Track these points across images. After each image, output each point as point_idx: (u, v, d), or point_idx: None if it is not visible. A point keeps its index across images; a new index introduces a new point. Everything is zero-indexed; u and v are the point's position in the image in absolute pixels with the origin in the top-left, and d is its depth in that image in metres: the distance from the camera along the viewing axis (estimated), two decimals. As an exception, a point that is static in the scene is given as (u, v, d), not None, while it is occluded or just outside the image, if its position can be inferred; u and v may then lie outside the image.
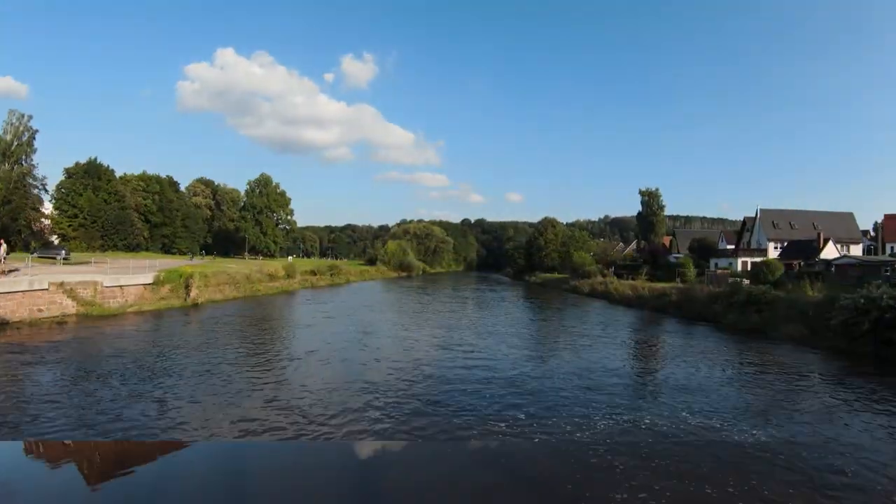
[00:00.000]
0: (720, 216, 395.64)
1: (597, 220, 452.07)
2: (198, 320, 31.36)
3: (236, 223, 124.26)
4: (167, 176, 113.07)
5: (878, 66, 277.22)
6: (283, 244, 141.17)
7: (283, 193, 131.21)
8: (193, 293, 37.18)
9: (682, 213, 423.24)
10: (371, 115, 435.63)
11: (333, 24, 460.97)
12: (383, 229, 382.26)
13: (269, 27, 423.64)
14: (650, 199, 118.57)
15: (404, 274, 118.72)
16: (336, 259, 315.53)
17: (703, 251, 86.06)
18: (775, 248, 65.63)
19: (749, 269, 62.98)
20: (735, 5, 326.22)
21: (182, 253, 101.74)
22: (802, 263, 56.81)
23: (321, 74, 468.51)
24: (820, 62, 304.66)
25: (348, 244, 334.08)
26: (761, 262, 53.07)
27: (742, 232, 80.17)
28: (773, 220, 67.08)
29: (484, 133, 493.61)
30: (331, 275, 74.39)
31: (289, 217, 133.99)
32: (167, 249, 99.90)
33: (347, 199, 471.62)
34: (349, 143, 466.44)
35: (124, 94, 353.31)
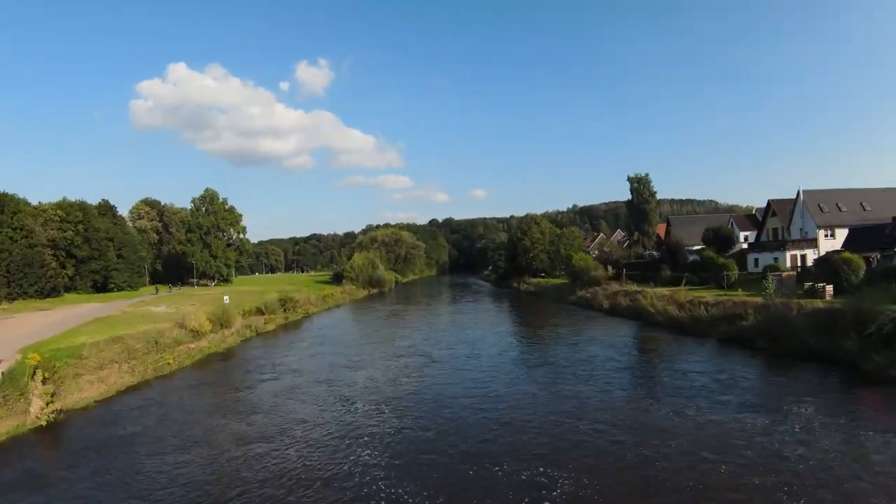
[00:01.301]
0: (689, 197, 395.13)
1: (565, 210, 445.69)
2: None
3: (183, 246, 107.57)
4: (102, 200, 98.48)
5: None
6: (242, 263, 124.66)
7: (231, 210, 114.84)
8: (37, 406, 22.13)
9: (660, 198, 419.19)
10: (329, 122, 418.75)
11: (286, 32, 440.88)
12: (349, 237, 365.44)
13: (220, 39, 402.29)
14: (640, 186, 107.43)
15: (375, 290, 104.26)
16: (302, 272, 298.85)
17: (722, 243, 74.88)
18: (826, 236, 54.24)
19: (804, 265, 51.57)
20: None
21: (121, 288, 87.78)
22: (880, 256, 45.31)
23: (276, 83, 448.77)
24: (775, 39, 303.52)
25: (314, 255, 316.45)
26: (835, 258, 41.14)
27: (766, 218, 68.94)
28: (820, 202, 55.63)
29: (444, 132, 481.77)
30: (284, 310, 59.47)
31: (241, 235, 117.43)
32: (101, 287, 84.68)
33: (311, 209, 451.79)
34: (309, 150, 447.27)
35: (78, 117, 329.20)
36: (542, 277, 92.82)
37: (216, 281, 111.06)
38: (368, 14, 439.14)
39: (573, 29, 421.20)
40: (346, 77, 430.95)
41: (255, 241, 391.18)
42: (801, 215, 55.92)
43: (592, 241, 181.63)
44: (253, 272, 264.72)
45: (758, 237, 71.13)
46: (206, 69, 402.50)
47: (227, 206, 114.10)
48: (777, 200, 67.39)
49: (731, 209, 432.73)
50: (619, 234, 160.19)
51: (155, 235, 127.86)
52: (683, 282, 54.51)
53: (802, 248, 53.24)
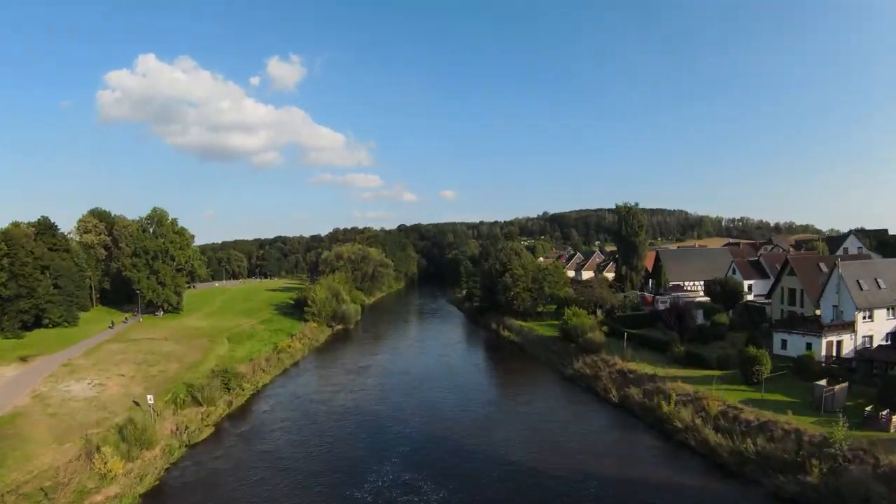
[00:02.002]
0: (659, 206, 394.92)
1: (535, 216, 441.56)
2: None
3: (129, 272, 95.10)
4: (42, 218, 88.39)
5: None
6: (195, 283, 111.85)
7: (182, 231, 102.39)
8: None
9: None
10: (300, 118, 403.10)
11: (259, 26, 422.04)
12: (315, 240, 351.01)
13: (191, 31, 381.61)
14: (629, 216, 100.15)
15: (339, 327, 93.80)
16: (266, 277, 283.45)
17: (729, 297, 67.68)
18: (864, 318, 46.99)
19: (839, 355, 44.28)
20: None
21: (56, 324, 77.91)
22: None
23: (247, 78, 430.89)
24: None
25: (278, 260, 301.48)
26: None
27: (782, 274, 61.64)
28: (859, 277, 47.97)
29: (415, 131, 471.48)
30: (227, 388, 48.68)
31: (193, 261, 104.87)
32: (32, 325, 74.46)
33: (278, 208, 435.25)
34: (278, 147, 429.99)
35: (42, 106, 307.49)
36: (524, 321, 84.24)
37: (163, 311, 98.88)
38: (344, 12, 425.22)
39: (545, 38, 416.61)
40: (318, 74, 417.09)
41: (220, 242, 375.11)
42: (835, 289, 48.55)
43: (569, 259, 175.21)
44: (213, 279, 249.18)
45: (770, 292, 64.10)
46: (175, 61, 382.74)
47: (176, 228, 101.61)
48: (795, 256, 60.47)
49: (700, 220, 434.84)
50: (598, 257, 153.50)
51: (103, 251, 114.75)
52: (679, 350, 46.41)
53: (839, 333, 45.84)
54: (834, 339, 45.98)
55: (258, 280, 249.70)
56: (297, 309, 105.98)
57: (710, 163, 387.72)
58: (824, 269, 59.55)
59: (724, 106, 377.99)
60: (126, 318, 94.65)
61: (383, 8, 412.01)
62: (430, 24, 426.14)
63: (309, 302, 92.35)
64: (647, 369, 49.03)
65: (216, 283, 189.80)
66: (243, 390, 50.12)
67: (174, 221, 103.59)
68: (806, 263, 59.48)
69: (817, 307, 56.17)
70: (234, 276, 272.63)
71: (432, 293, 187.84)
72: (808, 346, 46.18)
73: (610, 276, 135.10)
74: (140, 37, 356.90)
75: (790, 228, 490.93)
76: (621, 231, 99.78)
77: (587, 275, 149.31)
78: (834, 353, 45.89)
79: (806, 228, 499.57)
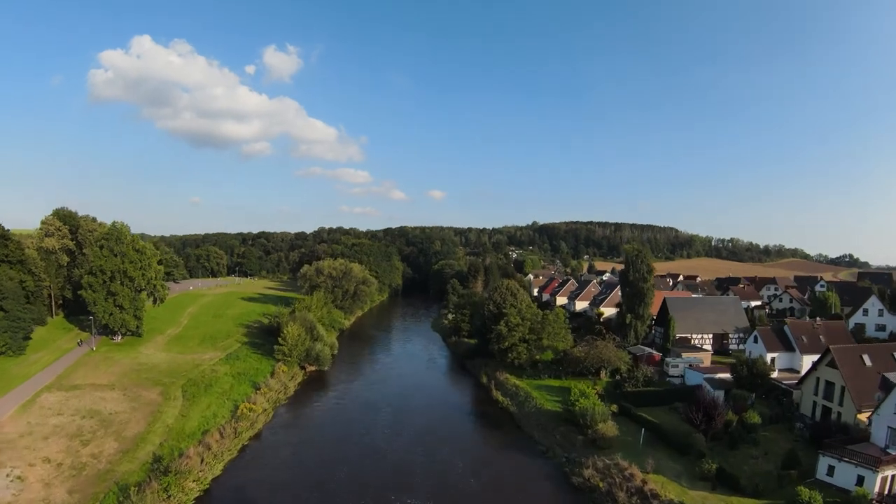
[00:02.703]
0: (649, 223, 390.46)
1: (524, 226, 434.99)
2: None
3: (85, 293, 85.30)
4: None
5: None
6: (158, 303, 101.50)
7: (143, 250, 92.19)
8: None
9: (613, 220, 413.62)
10: (293, 110, 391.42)
11: (258, 14, 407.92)
12: (300, 238, 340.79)
13: (188, 14, 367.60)
14: (637, 260, 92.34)
15: (313, 368, 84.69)
16: (246, 276, 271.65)
17: (754, 382, 60.15)
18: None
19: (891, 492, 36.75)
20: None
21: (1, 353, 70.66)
22: None
23: (242, 66, 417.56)
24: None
25: (259, 259, 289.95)
26: None
27: (819, 364, 54.03)
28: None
29: (408, 129, 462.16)
30: (168, 495, 39.59)
31: (156, 282, 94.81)
32: None
33: (265, 198, 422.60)
34: (269, 137, 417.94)
35: (32, 81, 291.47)
36: (519, 377, 76.13)
37: (122, 336, 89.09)
38: (345, 6, 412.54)
39: (542, 47, 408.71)
40: (314, 66, 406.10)
41: (202, 234, 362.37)
42: (894, 409, 41.02)
43: (562, 284, 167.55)
44: (191, 276, 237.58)
45: (803, 380, 56.77)
46: (171, 44, 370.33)
47: (137, 245, 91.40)
48: (839, 349, 52.93)
49: (690, 239, 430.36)
50: (594, 286, 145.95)
51: (66, 257, 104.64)
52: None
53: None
54: (891, 473, 38.50)
55: (237, 280, 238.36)
56: (268, 337, 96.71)
57: (703, 183, 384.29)
58: (867, 362, 52.39)
59: (722, 131, 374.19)
60: (81, 341, 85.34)
61: (383, 3, 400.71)
62: (431, 24, 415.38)
63: (280, 339, 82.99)
64: (672, 492, 41.15)
65: (191, 288, 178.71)
66: (186, 495, 40.98)
67: (136, 238, 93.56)
68: (850, 356, 52.06)
69: (859, 411, 48.94)
70: (214, 274, 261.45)
71: (416, 311, 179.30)
72: (861, 479, 38.62)
73: (608, 311, 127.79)
74: (137, 16, 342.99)
75: (780, 252, 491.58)
76: (628, 275, 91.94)
77: (581, 305, 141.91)
78: (887, 490, 38.48)
79: (795, 252, 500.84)
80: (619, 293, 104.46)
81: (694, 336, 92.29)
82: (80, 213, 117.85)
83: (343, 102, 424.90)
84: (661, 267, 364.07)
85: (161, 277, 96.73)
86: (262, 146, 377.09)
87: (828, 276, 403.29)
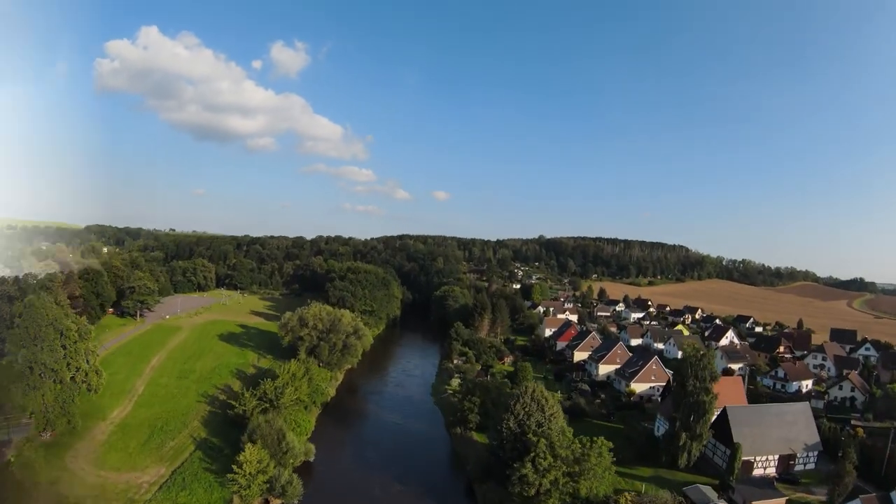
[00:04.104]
0: (659, 240, 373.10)
1: (530, 239, 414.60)
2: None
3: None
4: None
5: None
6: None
7: (66, 332, 72.89)
8: None
9: (622, 237, 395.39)
10: (299, 106, 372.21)
11: (266, 9, 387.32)
12: (297, 244, 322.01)
13: (197, 7, 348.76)
14: (699, 365, 73.91)
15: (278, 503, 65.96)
16: (236, 289, 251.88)
17: None
18: None
19: None
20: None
21: None
22: None
23: (249, 60, 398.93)
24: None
25: (251, 272, 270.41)
26: None
27: None
28: None
29: (414, 130, 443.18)
30: None
31: (88, 368, 75.73)
32: None
33: (268, 194, 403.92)
34: (274, 133, 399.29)
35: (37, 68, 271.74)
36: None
37: (50, 433, 70.76)
38: (356, 4, 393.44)
39: (557, 53, 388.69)
40: (322, 63, 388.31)
41: (196, 237, 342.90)
42: None
43: (581, 336, 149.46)
44: (176, 291, 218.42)
45: None
46: (178, 36, 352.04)
47: (59, 326, 71.72)
48: None
49: (702, 260, 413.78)
50: (620, 348, 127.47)
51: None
52: None
53: None
54: None
55: (225, 298, 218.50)
56: (230, 434, 77.71)
57: (715, 203, 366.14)
58: None
59: (735, 151, 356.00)
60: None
61: (393, 3, 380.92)
62: (436, 24, 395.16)
63: (234, 465, 63.56)
64: None
65: (166, 316, 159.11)
66: None
67: (58, 312, 73.18)
68: None
69: None
70: (201, 289, 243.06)
71: (413, 352, 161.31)
72: None
73: (640, 387, 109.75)
74: (145, 7, 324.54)
75: (791, 274, 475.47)
76: (685, 384, 73.18)
77: (606, 370, 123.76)
78: None
79: (806, 275, 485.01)
80: (666, 391, 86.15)
81: (757, 459, 74.58)
82: (77, 205, 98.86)
83: (350, 100, 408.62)
84: (671, 289, 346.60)
85: (94, 370, 76.82)
86: (267, 141, 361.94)
87: (843, 305, 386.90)
